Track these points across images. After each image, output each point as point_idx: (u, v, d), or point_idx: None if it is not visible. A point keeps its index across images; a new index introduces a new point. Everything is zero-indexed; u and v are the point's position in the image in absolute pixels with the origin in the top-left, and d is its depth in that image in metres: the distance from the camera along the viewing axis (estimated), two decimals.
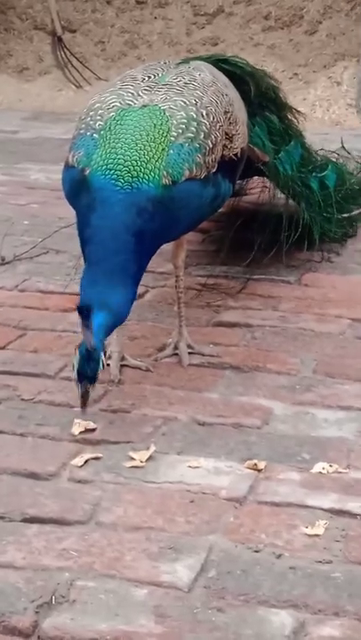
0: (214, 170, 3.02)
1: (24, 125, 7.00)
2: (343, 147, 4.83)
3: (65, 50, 7.99)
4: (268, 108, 3.81)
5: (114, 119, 2.93)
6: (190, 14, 8.01)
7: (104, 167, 2.83)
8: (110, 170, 2.83)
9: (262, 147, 3.70)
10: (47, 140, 6.48)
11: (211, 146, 2.99)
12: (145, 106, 2.96)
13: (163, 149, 2.86)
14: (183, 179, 2.88)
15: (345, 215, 4.20)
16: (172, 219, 2.87)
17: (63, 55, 7.99)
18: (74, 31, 8.20)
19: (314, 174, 4.02)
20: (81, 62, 7.96)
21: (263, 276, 3.86)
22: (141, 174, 2.81)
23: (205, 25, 7.98)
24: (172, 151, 2.87)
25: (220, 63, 3.62)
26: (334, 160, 4.33)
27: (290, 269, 3.97)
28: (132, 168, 2.81)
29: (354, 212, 4.29)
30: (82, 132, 2.97)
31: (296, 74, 7.62)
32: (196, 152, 2.92)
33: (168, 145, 2.87)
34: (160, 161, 2.83)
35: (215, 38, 7.87)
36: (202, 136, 2.95)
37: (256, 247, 3.89)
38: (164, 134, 2.88)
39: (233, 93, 3.35)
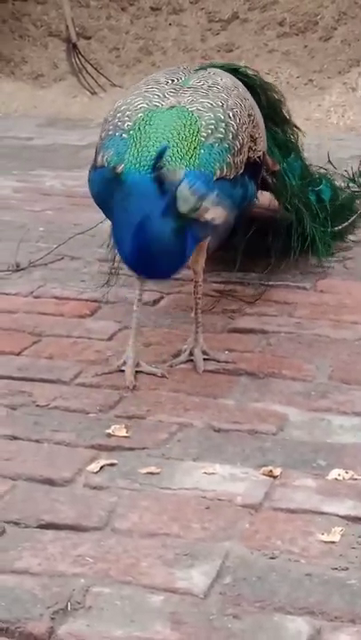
0: (241, 171, 3.05)
1: (39, 132, 7.02)
2: (330, 161, 4.86)
3: (80, 56, 8.01)
4: (272, 120, 3.82)
5: (142, 120, 2.95)
6: (205, 20, 8.02)
7: (137, 165, 2.85)
8: (145, 166, 2.83)
9: (272, 155, 3.71)
10: (62, 147, 6.50)
11: (239, 147, 3.02)
12: (172, 107, 2.98)
13: (195, 148, 2.88)
14: (215, 178, 2.89)
15: (337, 228, 4.23)
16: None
17: (78, 62, 8.01)
18: (88, 38, 8.22)
19: (310, 188, 4.05)
20: (95, 69, 7.97)
21: (279, 282, 3.85)
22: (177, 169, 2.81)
23: (220, 31, 7.99)
24: (202, 151, 2.89)
25: (232, 73, 3.62)
26: (327, 175, 4.35)
27: (305, 275, 3.96)
28: (167, 163, 2.81)
29: (344, 224, 4.30)
30: (110, 133, 2.99)
31: (311, 80, 7.61)
32: (225, 152, 2.94)
33: (199, 144, 2.89)
34: (193, 159, 2.85)
35: (230, 44, 7.88)
36: (230, 137, 2.97)
37: (272, 254, 3.89)
38: (195, 134, 2.90)
39: (252, 99, 3.37)
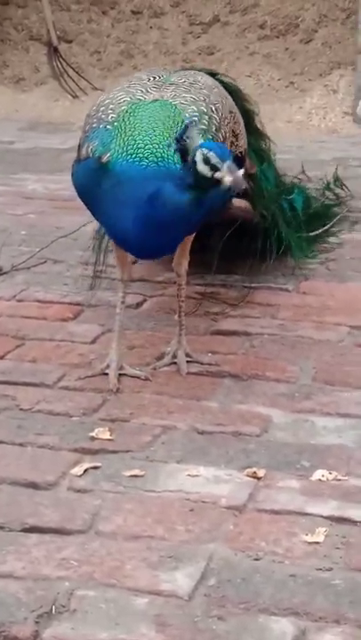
0: None
1: (21, 136, 7.01)
2: (304, 172, 4.88)
3: (61, 60, 8.00)
4: (246, 128, 3.82)
5: (126, 112, 2.96)
6: (186, 24, 8.03)
7: (125, 153, 2.88)
8: (132, 154, 2.86)
9: (249, 158, 3.71)
10: (44, 150, 6.49)
11: (222, 139, 3.05)
12: (156, 100, 2.99)
13: None
14: None
15: (311, 234, 4.24)
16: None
17: (59, 65, 8.01)
18: (70, 41, 8.22)
19: (283, 196, 4.06)
20: (77, 72, 7.97)
21: (261, 285, 3.86)
22: (165, 156, 2.84)
23: (201, 34, 8.00)
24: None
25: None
26: (299, 184, 4.36)
27: (288, 277, 3.97)
28: (154, 151, 2.84)
29: (320, 231, 4.32)
30: (94, 126, 3.00)
31: (292, 82, 7.64)
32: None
33: None
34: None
35: (211, 47, 7.89)
36: (213, 129, 2.99)
37: (250, 256, 3.89)
38: (179, 124, 2.91)
39: (231, 99, 3.38)
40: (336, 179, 4.93)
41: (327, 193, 4.69)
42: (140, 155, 2.85)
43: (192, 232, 3.05)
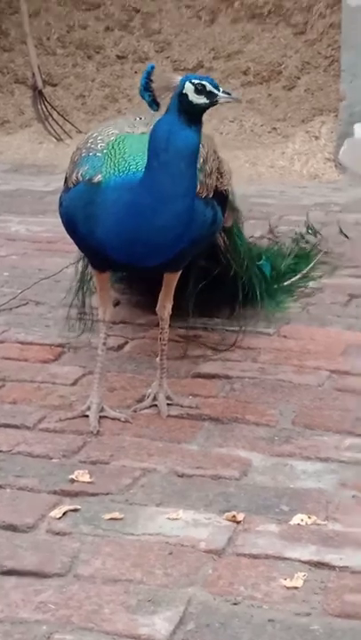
0: (211, 194, 3.13)
1: (5, 178, 7.04)
2: (271, 231, 4.93)
3: (46, 103, 8.06)
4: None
5: (115, 141, 3.03)
6: (170, 69, 8.10)
7: (116, 173, 2.93)
8: (123, 171, 2.92)
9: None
10: (28, 193, 6.52)
11: (209, 171, 3.12)
12: (144, 133, 3.03)
13: None
14: None
15: (285, 284, 4.27)
16: None
17: (44, 108, 8.06)
18: (55, 85, 8.28)
19: (254, 260, 4.09)
20: (62, 115, 8.03)
21: (243, 328, 3.87)
22: None
23: None
24: None
25: None
26: (266, 249, 4.38)
27: (268, 321, 3.99)
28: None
29: (293, 279, 4.34)
30: (83, 154, 3.06)
31: (275, 128, 7.70)
32: (198, 171, 2.97)
33: None
34: None
35: None
36: (201, 160, 3.03)
37: (235, 301, 3.91)
38: None
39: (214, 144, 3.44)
40: (308, 227, 4.98)
41: (300, 243, 4.73)
42: (133, 169, 2.92)
43: (185, 253, 3.03)
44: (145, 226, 2.86)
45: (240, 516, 2.55)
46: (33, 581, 2.28)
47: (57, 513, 2.56)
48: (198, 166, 2.98)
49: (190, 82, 2.84)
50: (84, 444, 2.95)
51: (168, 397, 3.21)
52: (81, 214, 2.99)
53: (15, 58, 8.42)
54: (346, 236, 5.14)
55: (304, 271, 4.46)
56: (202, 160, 3.06)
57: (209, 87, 2.83)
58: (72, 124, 7.98)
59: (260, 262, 4.08)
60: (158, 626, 2.13)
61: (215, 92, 2.84)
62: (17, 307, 4.15)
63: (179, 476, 2.78)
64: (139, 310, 4.02)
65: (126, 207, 2.88)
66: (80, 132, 7.77)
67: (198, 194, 2.99)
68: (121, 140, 3.03)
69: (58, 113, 8.02)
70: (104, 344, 3.21)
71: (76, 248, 3.33)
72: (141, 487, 2.71)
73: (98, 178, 2.96)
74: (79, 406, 3.17)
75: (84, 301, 3.87)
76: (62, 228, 3.16)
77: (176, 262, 3.06)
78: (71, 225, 3.06)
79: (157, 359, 3.30)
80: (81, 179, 3.00)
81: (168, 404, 3.19)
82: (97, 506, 2.61)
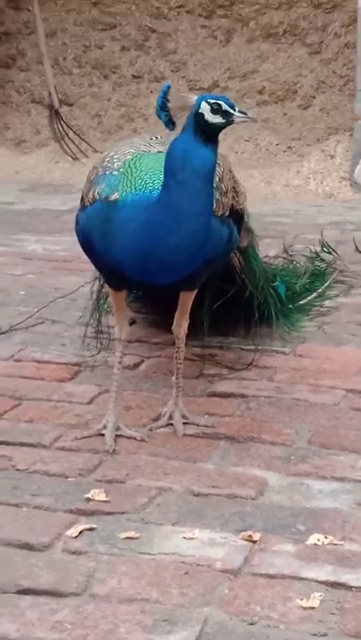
0: (227, 213, 3.14)
1: (21, 197, 7.07)
2: (286, 250, 4.93)
3: (62, 123, 8.10)
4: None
5: (132, 160, 3.05)
6: (186, 88, 8.14)
7: (133, 190, 2.95)
8: (140, 189, 2.94)
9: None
10: (44, 212, 6.55)
11: (225, 190, 3.14)
12: (160, 152, 3.04)
13: None
14: None
15: (301, 302, 4.30)
16: None
17: (60, 128, 8.10)
18: (71, 104, 8.33)
19: (268, 282, 4.11)
20: (78, 135, 8.07)
21: (259, 347, 3.87)
22: None
23: None
24: None
25: None
26: (281, 269, 4.39)
27: (284, 340, 3.99)
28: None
29: (309, 298, 4.36)
30: (100, 173, 3.07)
31: (290, 147, 7.73)
32: (215, 190, 2.99)
33: None
34: None
35: None
36: (217, 179, 3.04)
37: (251, 321, 3.92)
38: None
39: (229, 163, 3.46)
40: (323, 245, 4.99)
41: (316, 262, 4.74)
42: (150, 187, 2.93)
43: (201, 271, 3.04)
44: (161, 244, 2.87)
45: (256, 536, 2.54)
46: (49, 600, 2.28)
47: (73, 532, 2.56)
48: (214, 185, 2.99)
49: (206, 101, 2.85)
50: (100, 463, 2.96)
51: (184, 416, 3.21)
52: (97, 232, 3.00)
53: (32, 78, 8.47)
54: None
55: (320, 290, 4.47)
56: (218, 179, 3.07)
57: (225, 107, 2.85)
58: (88, 144, 8.01)
59: (275, 283, 4.09)
60: None
61: (231, 111, 2.85)
62: (33, 325, 4.16)
63: (195, 495, 2.78)
64: (154, 329, 4.03)
65: (143, 225, 2.89)
66: (96, 151, 7.81)
67: (214, 212, 3.00)
68: (137, 158, 3.04)
69: (74, 132, 8.06)
70: (120, 363, 3.21)
71: (92, 267, 3.34)
72: (157, 506, 2.71)
73: (115, 196, 2.97)
74: (95, 425, 3.17)
75: (100, 320, 3.88)
76: (78, 247, 3.17)
77: (192, 280, 3.07)
78: (87, 243, 3.08)
79: (173, 378, 3.30)
80: (98, 197, 3.01)
81: (184, 423, 3.19)
82: (113, 525, 2.61)
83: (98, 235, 3.00)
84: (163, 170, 2.89)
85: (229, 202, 3.19)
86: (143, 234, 2.88)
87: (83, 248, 3.13)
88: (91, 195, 3.05)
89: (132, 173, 2.99)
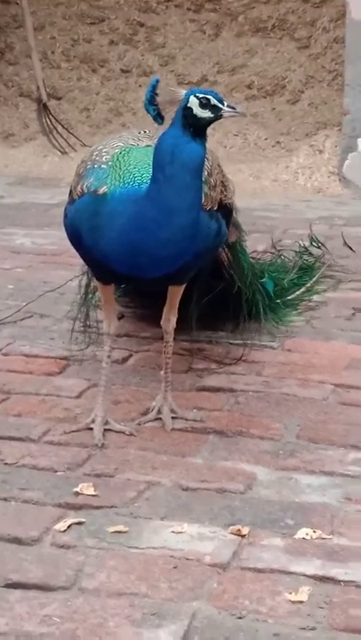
0: (216, 207, 3.14)
1: (9, 191, 7.06)
2: (275, 246, 4.93)
3: (50, 116, 8.08)
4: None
5: (120, 153, 3.04)
6: (174, 83, 8.12)
7: (122, 184, 2.94)
8: (129, 182, 2.93)
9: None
10: (32, 206, 6.53)
11: (213, 184, 3.14)
12: (148, 145, 3.04)
13: None
14: None
15: (289, 297, 4.29)
16: None
17: (48, 122, 8.08)
18: (59, 98, 8.31)
19: (257, 278, 4.11)
20: (66, 129, 8.05)
21: (247, 342, 3.87)
22: None
23: None
24: None
25: None
26: (269, 264, 4.40)
27: (273, 335, 3.99)
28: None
29: (297, 293, 4.36)
30: (88, 167, 3.07)
31: (279, 142, 7.72)
32: (203, 184, 2.99)
33: None
34: None
35: None
36: (205, 173, 3.04)
37: (239, 315, 3.93)
38: None
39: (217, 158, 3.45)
40: (312, 239, 5.00)
41: (304, 256, 4.74)
42: (139, 181, 2.93)
43: (193, 262, 3.03)
44: (150, 238, 2.86)
45: (245, 530, 2.55)
46: (38, 594, 2.28)
47: (61, 526, 2.56)
48: (203, 179, 2.99)
49: (195, 96, 2.85)
50: (89, 457, 2.95)
51: (173, 410, 3.21)
52: (86, 226, 3.00)
53: (20, 71, 8.44)
54: (351, 249, 5.14)
55: (308, 285, 4.47)
56: (206, 173, 3.07)
57: (213, 101, 2.85)
58: (76, 138, 8.00)
59: (263, 280, 4.09)
60: (163, 639, 2.13)
61: (220, 105, 2.85)
62: (22, 319, 4.15)
63: (183, 489, 2.78)
64: (143, 323, 4.03)
65: (131, 219, 2.88)
66: (84, 145, 7.79)
67: (203, 206, 3.00)
68: (126, 152, 3.04)
69: (62, 126, 8.05)
70: (109, 357, 3.21)
71: (80, 261, 3.33)
72: (146, 500, 2.71)
73: (103, 189, 2.96)
74: (84, 419, 3.17)
75: (89, 314, 3.87)
76: (67, 241, 3.17)
77: (180, 275, 3.07)
78: (76, 236, 3.07)
79: (162, 372, 3.30)
80: (86, 190, 3.01)
81: (173, 418, 3.19)
82: (101, 519, 2.61)
83: (86, 228, 3.00)
84: (151, 164, 2.89)
85: (218, 196, 3.19)
86: (132, 227, 2.88)
87: (71, 241, 3.13)
88: (79, 188, 3.05)
89: (120, 167, 2.98)
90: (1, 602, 2.25)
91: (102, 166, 3.02)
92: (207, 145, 2.96)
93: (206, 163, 3.07)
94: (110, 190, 2.95)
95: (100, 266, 3.06)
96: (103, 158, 3.05)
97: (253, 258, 4.20)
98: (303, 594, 2.29)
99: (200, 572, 2.38)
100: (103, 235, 2.94)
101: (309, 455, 2.99)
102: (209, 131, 2.92)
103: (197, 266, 3.15)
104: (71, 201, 3.12)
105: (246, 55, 8.06)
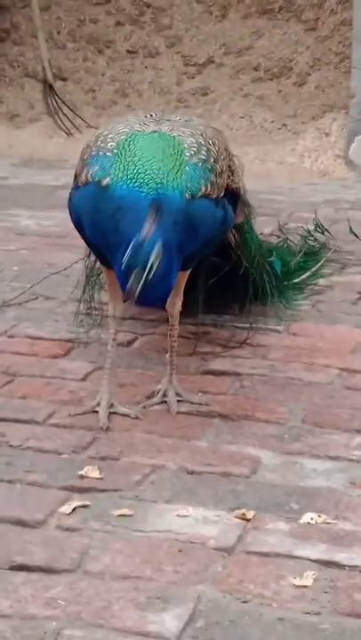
0: (222, 194, 3.12)
1: (14, 172, 7.04)
2: (281, 229, 4.91)
3: (56, 97, 8.05)
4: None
5: (126, 141, 3.01)
6: (181, 64, 8.09)
7: (125, 177, 2.90)
8: (132, 179, 2.90)
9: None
10: (37, 187, 6.51)
11: (220, 170, 3.11)
12: (154, 132, 3.03)
13: (180, 164, 2.95)
14: (200, 194, 2.97)
15: (296, 280, 4.29)
16: (190, 233, 2.93)
17: (54, 103, 8.05)
18: (65, 79, 8.27)
19: (265, 257, 4.09)
20: (71, 110, 8.02)
21: (252, 325, 3.86)
22: (165, 182, 2.88)
23: (195, 75, 8.06)
24: (187, 168, 2.97)
25: None
26: (276, 246, 4.39)
27: (278, 318, 3.98)
28: (155, 176, 2.88)
29: (303, 277, 4.35)
30: (93, 153, 3.04)
31: (285, 124, 7.69)
32: (209, 172, 3.01)
33: (184, 162, 2.97)
34: (180, 173, 2.93)
35: (205, 88, 7.95)
36: (212, 160, 3.05)
37: (245, 298, 3.92)
38: (179, 152, 2.98)
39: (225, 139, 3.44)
40: (317, 225, 4.98)
41: (309, 240, 4.72)
42: (140, 180, 2.89)
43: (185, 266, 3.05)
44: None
45: (250, 514, 2.55)
46: (42, 577, 2.29)
47: (66, 509, 2.56)
48: (209, 166, 2.98)
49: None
50: (94, 440, 2.95)
51: (178, 394, 3.21)
52: (88, 216, 2.99)
53: (25, 52, 8.41)
54: (356, 235, 5.13)
55: (314, 269, 4.46)
56: (212, 159, 3.06)
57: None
58: (82, 119, 7.97)
59: (271, 259, 4.08)
60: (168, 623, 2.13)
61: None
62: (26, 301, 4.15)
63: (188, 472, 2.78)
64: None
65: (128, 226, 2.84)
66: (90, 126, 7.76)
67: (209, 195, 2.99)
68: (132, 139, 3.01)
69: (68, 107, 8.02)
70: (114, 340, 3.21)
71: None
72: (151, 484, 2.71)
73: (107, 181, 2.94)
74: (89, 402, 3.17)
75: (94, 296, 3.87)
76: (71, 223, 3.16)
77: (185, 263, 3.05)
78: (79, 221, 3.06)
79: (167, 355, 3.30)
80: (91, 179, 2.99)
81: (178, 401, 3.18)
82: (106, 502, 2.61)
83: (88, 219, 2.99)
84: (155, 157, 2.88)
85: (224, 182, 3.17)
86: (128, 236, 2.84)
87: (75, 225, 3.12)
88: (84, 176, 3.03)
89: (125, 156, 2.95)
90: (5, 584, 2.25)
91: (107, 154, 3.00)
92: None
93: (213, 148, 3.06)
94: (113, 182, 2.92)
95: (103, 253, 3.06)
96: (108, 145, 3.02)
97: (261, 239, 4.19)
98: (308, 578, 2.29)
99: (205, 556, 2.38)
100: (106, 230, 2.93)
101: (315, 439, 2.99)
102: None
103: (203, 253, 3.14)
104: (76, 186, 3.11)
105: (253, 37, 8.01)
